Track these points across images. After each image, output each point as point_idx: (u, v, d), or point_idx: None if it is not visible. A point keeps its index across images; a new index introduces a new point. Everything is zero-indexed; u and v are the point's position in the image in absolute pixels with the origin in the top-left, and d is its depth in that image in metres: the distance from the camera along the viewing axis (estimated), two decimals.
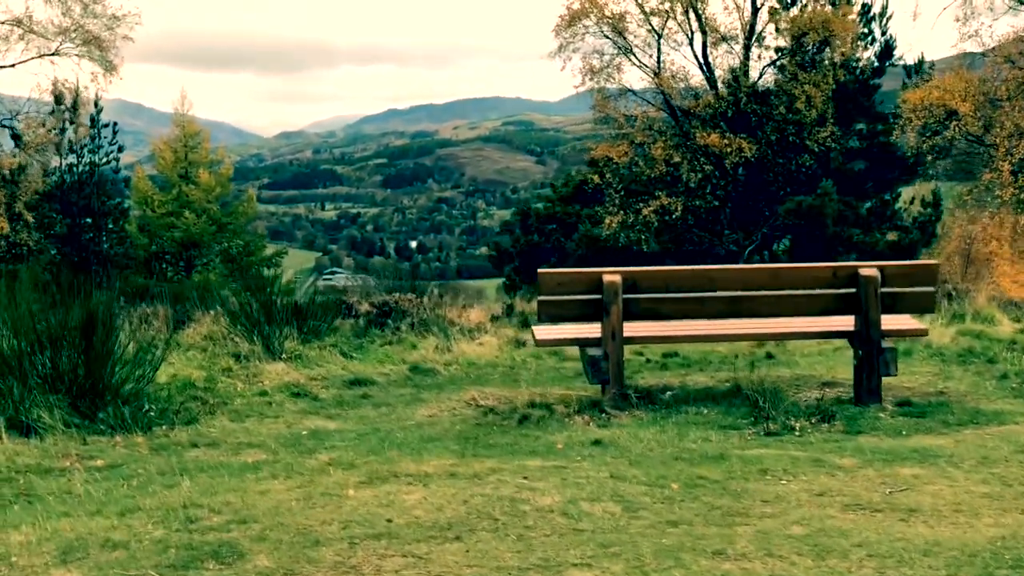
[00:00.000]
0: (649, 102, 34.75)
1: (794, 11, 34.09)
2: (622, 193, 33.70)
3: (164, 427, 8.92)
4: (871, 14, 35.45)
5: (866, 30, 35.49)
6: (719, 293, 9.47)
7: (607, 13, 33.33)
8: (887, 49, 37.17)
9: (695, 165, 33.37)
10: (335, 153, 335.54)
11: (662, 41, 33.90)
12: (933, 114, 30.04)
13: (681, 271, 9.68)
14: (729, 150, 32.22)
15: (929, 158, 31.44)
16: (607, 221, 33.57)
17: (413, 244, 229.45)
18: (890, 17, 36.86)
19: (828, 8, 33.79)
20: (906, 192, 39.61)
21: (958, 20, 31.12)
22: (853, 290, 9.33)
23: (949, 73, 30.94)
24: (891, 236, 36.64)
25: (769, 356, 12.01)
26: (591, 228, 41.41)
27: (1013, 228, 46.29)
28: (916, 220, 37.28)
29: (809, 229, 33.57)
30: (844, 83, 34.28)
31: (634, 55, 33.90)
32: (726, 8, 33.87)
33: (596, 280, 9.33)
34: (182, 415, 9.38)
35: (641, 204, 33.28)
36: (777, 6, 34.34)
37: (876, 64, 36.38)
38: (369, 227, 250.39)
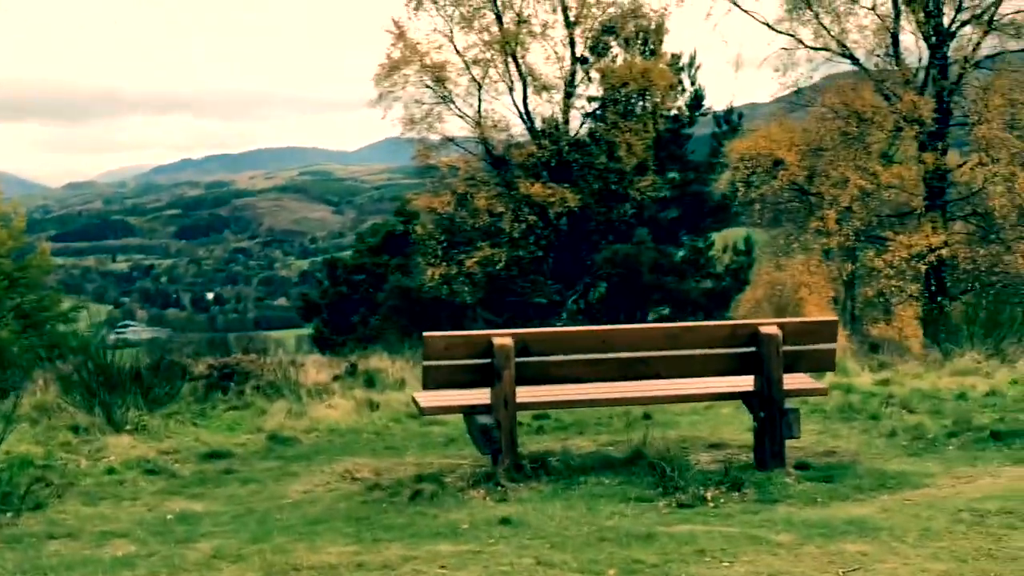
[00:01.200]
0: (471, 152, 34.41)
1: (612, 60, 34.21)
2: (444, 244, 33.15)
3: (9, 514, 8.01)
4: (680, 64, 35.82)
5: (676, 80, 35.85)
6: (614, 355, 9.00)
7: (428, 62, 32.90)
8: (697, 99, 37.67)
9: (518, 215, 33.07)
10: (127, 204, 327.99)
11: (483, 91, 33.62)
12: (760, 163, 30.34)
13: (575, 332, 9.22)
14: (552, 200, 32.04)
15: (757, 207, 31.72)
16: (429, 272, 33.00)
17: (209, 296, 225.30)
18: (699, 68, 37.39)
19: (638, 59, 34.00)
20: (720, 239, 40.11)
21: (777, 71, 31.64)
22: (753, 349, 8.95)
23: (773, 123, 31.33)
24: (705, 284, 36.95)
25: (646, 416, 11.59)
26: (402, 279, 40.82)
27: (824, 275, 47.44)
28: (729, 267, 37.65)
29: (625, 277, 33.60)
30: (658, 132, 34.56)
31: (455, 104, 33.56)
32: (547, 58, 33.58)
33: (485, 343, 8.75)
34: (28, 499, 8.44)
35: (464, 255, 32.78)
36: (590, 56, 34.41)
37: (687, 114, 36.73)
38: (163, 279, 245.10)
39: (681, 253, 38.07)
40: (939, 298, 29.01)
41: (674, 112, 36.35)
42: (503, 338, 8.72)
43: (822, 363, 9.32)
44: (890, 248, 28.68)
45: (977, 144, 28.48)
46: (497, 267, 32.63)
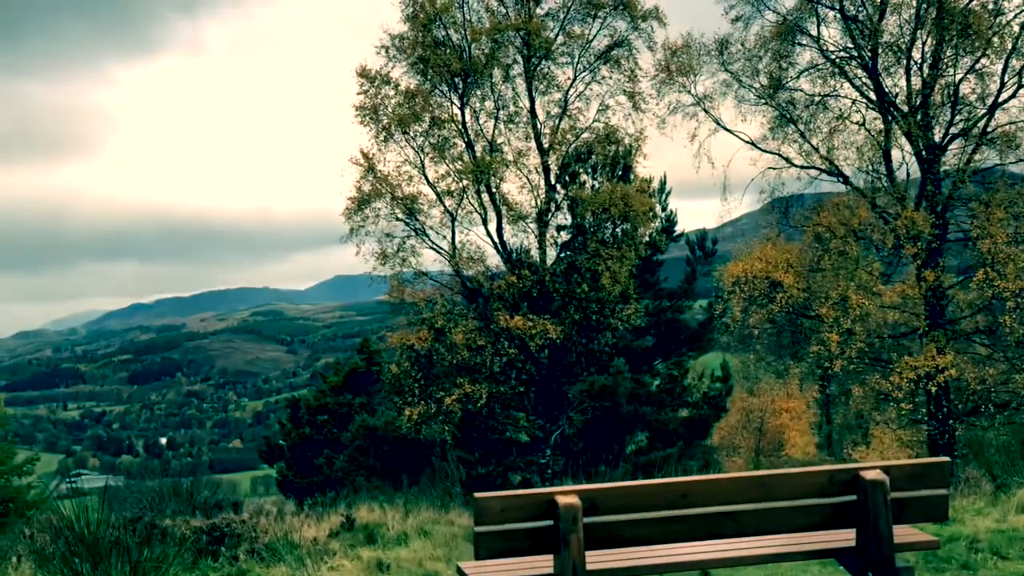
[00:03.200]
0: (447, 285, 33.28)
1: (582, 187, 33.45)
2: (421, 382, 31.81)
3: None
4: (650, 191, 35.09)
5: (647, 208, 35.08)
6: (694, 510, 7.72)
7: (399, 194, 31.89)
8: (669, 224, 36.98)
9: (499, 349, 31.84)
10: (77, 351, 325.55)
11: (456, 222, 32.59)
12: (756, 287, 29.41)
13: (651, 486, 7.89)
14: (534, 332, 30.85)
15: (756, 332, 30.71)
16: (407, 413, 31.54)
17: (163, 440, 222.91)
18: (669, 192, 36.74)
19: (610, 184, 33.25)
20: (695, 365, 39.33)
21: (763, 192, 30.89)
22: (854, 497, 7.70)
23: (767, 244, 30.48)
24: (683, 412, 36.04)
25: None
26: (368, 418, 39.52)
27: (803, 400, 46.64)
28: (707, 394, 36.75)
29: (604, 409, 32.55)
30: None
31: (428, 237, 32.48)
32: (521, 186, 32.66)
33: (548, 503, 7.45)
34: None
35: (442, 393, 31.44)
36: (566, 183, 33.64)
37: (660, 239, 35.96)
38: (116, 425, 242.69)
39: (657, 382, 37.13)
40: (950, 421, 27.99)
41: (647, 238, 35.47)
42: (569, 496, 7.45)
43: (933, 512, 8.05)
44: (896, 370, 27.64)
45: (982, 259, 27.72)
46: (478, 404, 31.30)
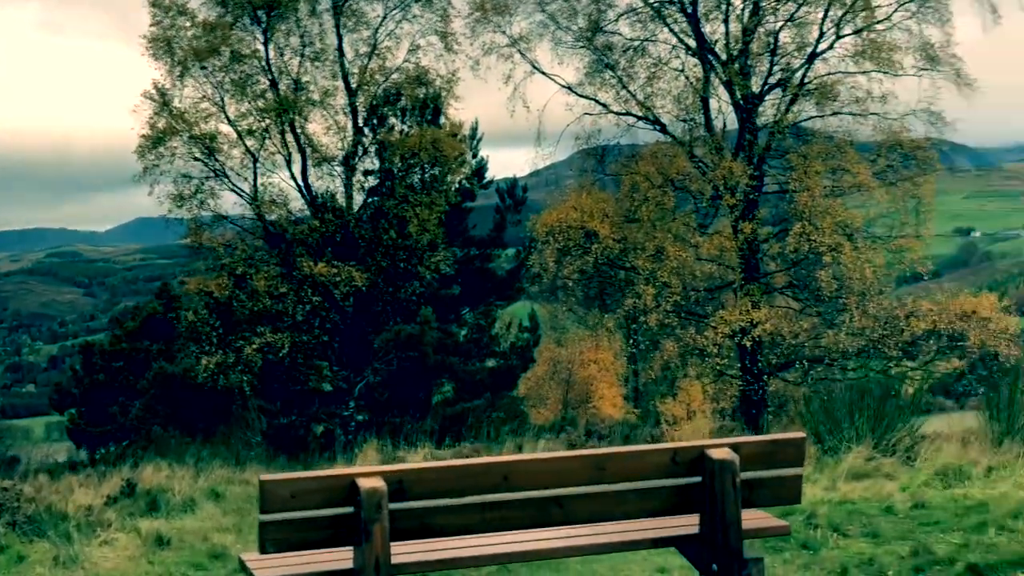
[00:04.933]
0: (248, 230, 31.73)
1: (391, 130, 32.29)
2: (220, 330, 30.26)
3: None
4: (461, 136, 34.10)
5: (463, 151, 34.16)
6: (518, 494, 6.64)
7: (197, 132, 30.14)
8: (480, 171, 36.20)
9: (302, 297, 30.45)
10: None
11: (259, 163, 31.03)
12: (571, 237, 28.61)
13: (467, 467, 6.75)
14: (338, 279, 29.60)
15: (570, 283, 29.92)
16: (203, 362, 30.00)
17: None
18: (481, 138, 35.87)
19: (420, 128, 32.17)
20: (504, 315, 38.78)
21: (578, 139, 30.07)
22: (698, 479, 6.73)
23: (584, 193, 29.70)
24: (491, 363, 35.40)
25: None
26: (166, 365, 37.80)
27: (612, 352, 46.35)
28: (514, 345, 36.15)
29: (410, 359, 31.63)
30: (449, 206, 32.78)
31: (228, 178, 30.85)
32: (328, 127, 31.26)
33: (347, 487, 6.28)
34: None
35: (243, 342, 29.95)
36: (375, 126, 32.43)
37: (470, 187, 35.10)
38: None
39: (464, 332, 36.40)
40: (764, 377, 27.77)
41: (457, 185, 34.56)
42: (372, 479, 6.27)
43: (786, 494, 7.13)
44: (711, 325, 27.24)
45: (799, 212, 27.45)
46: (280, 354, 29.93)
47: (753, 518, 7.16)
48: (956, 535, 9.08)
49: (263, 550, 6.37)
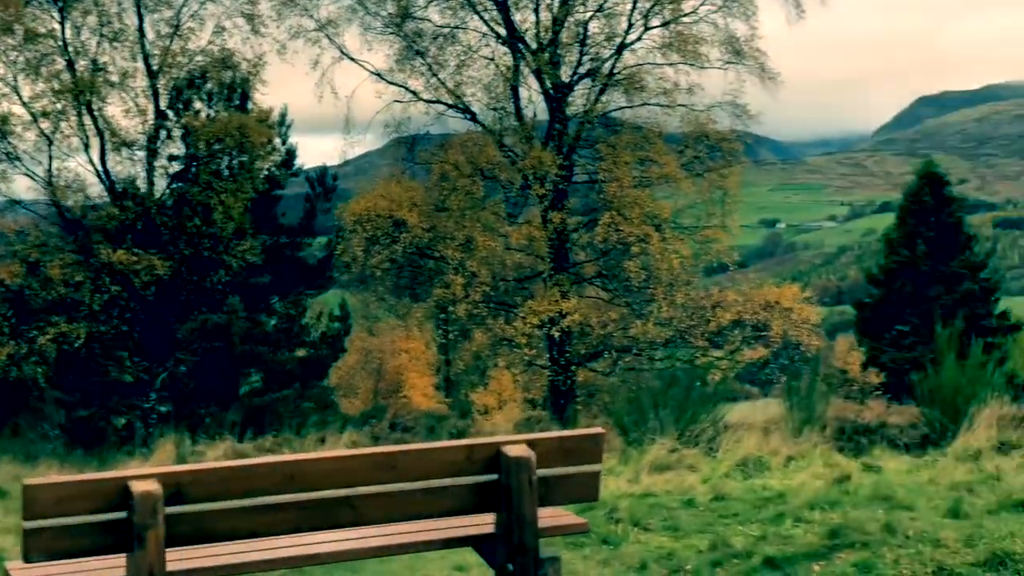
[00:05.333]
0: (42, 215, 30.47)
1: (198, 115, 31.37)
2: (12, 320, 29.00)
3: None
4: (270, 122, 33.36)
5: (270, 137, 33.41)
6: (306, 495, 6.30)
7: None
8: (289, 158, 35.50)
9: (99, 286, 29.35)
10: None
11: (53, 147, 29.79)
12: (380, 225, 28.15)
13: (250, 467, 6.36)
14: (138, 268, 28.64)
15: (378, 272, 29.48)
16: None
17: None
18: (290, 125, 35.16)
19: (227, 113, 31.37)
20: (315, 305, 38.21)
21: (388, 127, 29.61)
22: (495, 476, 6.49)
23: (392, 181, 29.27)
24: (300, 352, 34.82)
25: None
26: None
27: (423, 342, 46.08)
28: (325, 335, 35.64)
29: (216, 349, 30.92)
30: (256, 194, 32.01)
31: (21, 162, 29.59)
32: (127, 111, 30.17)
33: (117, 490, 5.85)
34: None
35: (36, 332, 28.76)
36: (177, 110, 31.47)
37: (279, 174, 34.39)
38: None
39: (273, 321, 35.69)
40: (572, 367, 27.80)
41: (265, 172, 33.80)
42: (147, 482, 5.84)
43: (585, 491, 6.94)
44: (520, 315, 27.14)
45: (608, 202, 27.54)
46: (76, 345, 28.82)
47: (550, 516, 6.95)
48: (754, 527, 9.08)
49: (27, 559, 5.90)
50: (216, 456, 16.60)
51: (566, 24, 28.82)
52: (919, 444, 14.12)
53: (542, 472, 6.54)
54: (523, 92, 29.51)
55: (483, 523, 6.72)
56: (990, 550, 7.73)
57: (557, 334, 27.23)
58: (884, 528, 8.53)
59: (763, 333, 28.53)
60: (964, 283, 40.25)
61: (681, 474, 11.53)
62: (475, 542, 6.78)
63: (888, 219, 46.05)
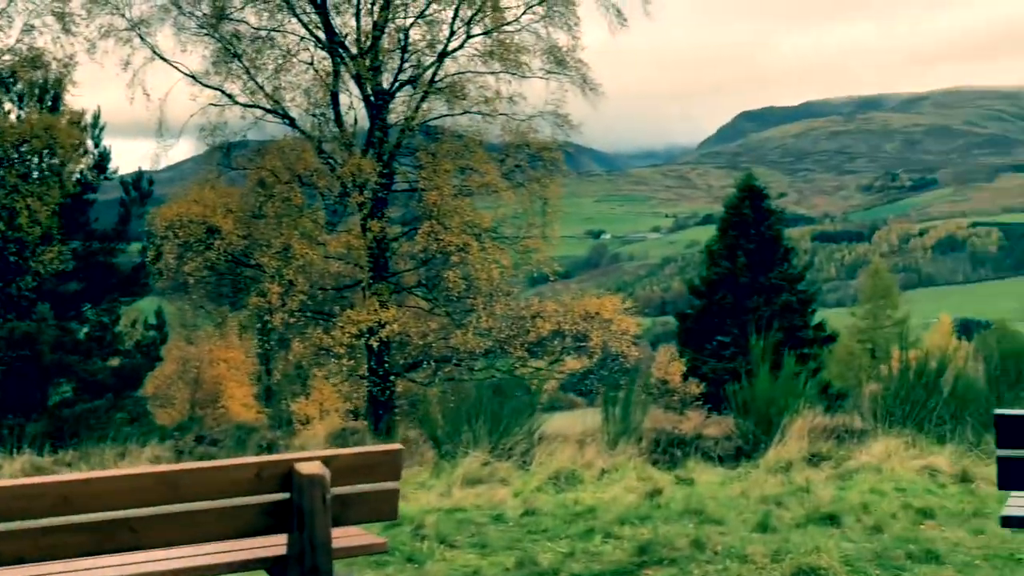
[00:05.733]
0: None
1: (7, 116, 30.17)
2: None
3: None
4: (82, 124, 32.30)
5: (81, 140, 32.32)
6: (79, 518, 5.86)
7: None
8: (102, 161, 34.39)
9: None
10: None
11: None
12: (193, 232, 27.32)
13: (19, 488, 5.90)
14: None
15: (191, 280, 28.61)
16: None
17: None
18: (103, 128, 34.05)
19: (37, 114, 30.25)
20: (129, 312, 37.13)
21: (204, 131, 28.77)
22: (287, 495, 6.13)
23: (206, 186, 28.44)
24: (114, 362, 33.76)
25: None
26: None
27: (242, 351, 45.24)
28: (140, 343, 34.62)
29: (24, 358, 29.76)
30: (68, 198, 30.93)
31: None
32: None
33: None
34: None
35: None
36: None
37: (92, 178, 33.28)
38: None
39: (85, 329, 34.55)
40: (391, 377, 27.41)
41: (76, 176, 32.72)
42: None
43: (381, 510, 6.63)
44: (338, 324, 26.64)
45: (428, 211, 27.24)
46: None
47: (346, 536, 6.61)
48: (563, 543, 8.86)
49: None
50: (13, 471, 15.87)
51: (387, 30, 28.43)
52: (733, 456, 14.09)
53: (337, 490, 6.22)
54: (344, 98, 29.05)
55: (275, 545, 6.36)
56: (796, 565, 7.66)
57: (376, 344, 26.84)
58: (693, 544, 8.43)
59: (583, 344, 28.59)
60: (782, 295, 41.15)
61: (493, 488, 11.26)
62: (267, 565, 6.41)
63: (711, 231, 46.89)
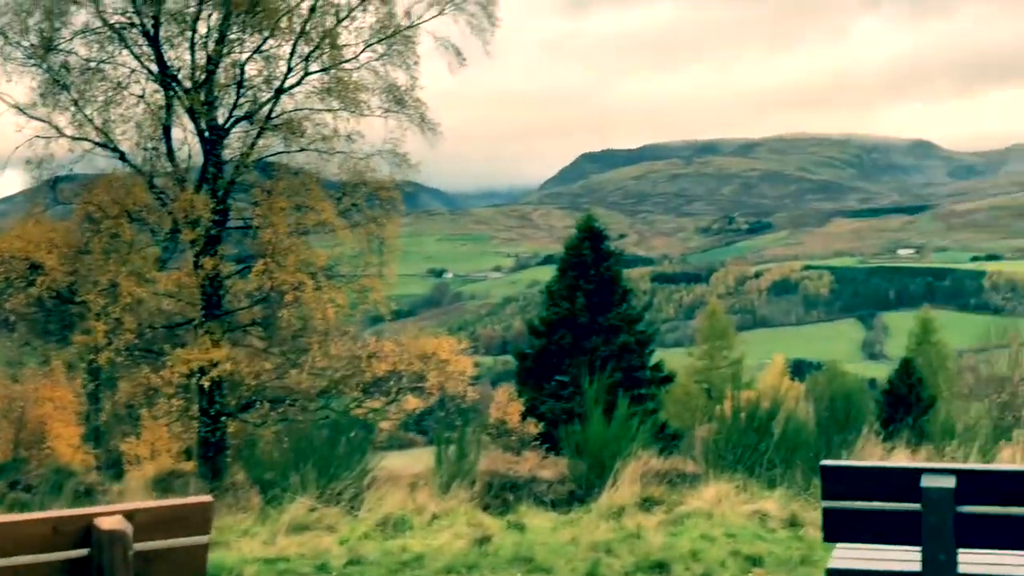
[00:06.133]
0: None
1: None
2: None
3: None
4: None
5: None
6: None
7: None
8: None
9: None
10: None
11: None
12: (14, 268, 26.30)
13: None
14: None
15: (12, 317, 27.54)
16: None
17: None
18: None
19: None
20: None
21: (30, 163, 27.72)
22: (86, 552, 5.77)
23: (31, 221, 27.44)
24: None
25: None
26: None
27: (71, 389, 43.80)
28: None
29: None
30: None
31: None
32: None
33: None
34: None
35: None
36: None
37: None
38: None
39: None
40: (222, 418, 26.71)
41: None
42: None
43: (188, 566, 6.27)
44: (168, 364, 25.87)
45: (263, 249, 26.68)
46: None
47: None
48: None
49: None
50: None
51: (222, 64, 27.88)
52: (566, 500, 13.98)
53: (140, 546, 5.86)
54: (177, 133, 28.30)
55: None
56: None
57: (207, 384, 26.16)
58: None
59: (419, 384, 28.33)
60: (620, 335, 41.45)
61: (318, 535, 10.91)
62: None
63: (552, 271, 47.11)
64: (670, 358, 55.74)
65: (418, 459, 17.39)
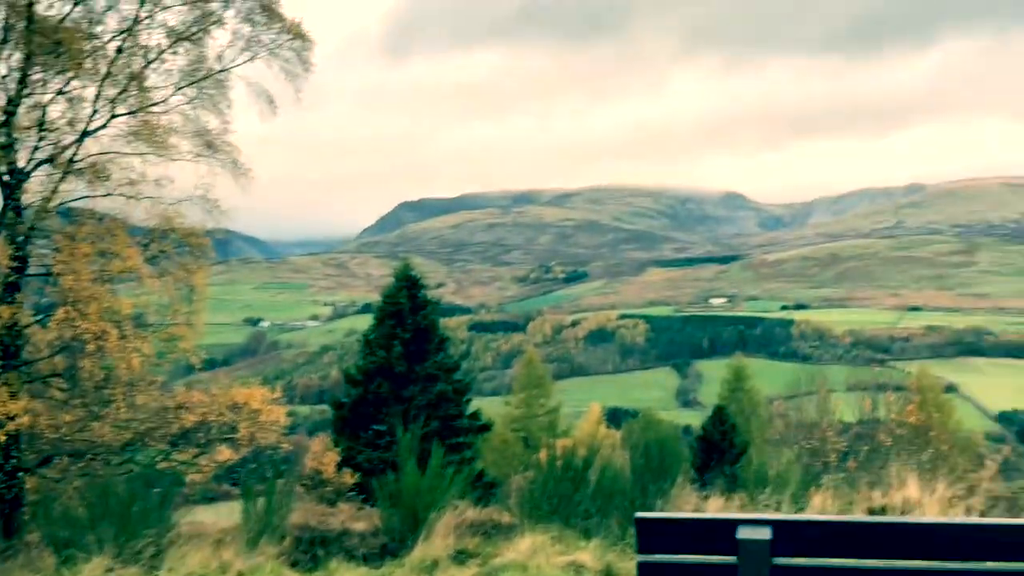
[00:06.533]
0: None
1: None
2: None
3: None
4: None
5: None
6: None
7: None
8: None
9: None
10: None
11: None
12: None
13: None
14: None
15: None
16: None
17: None
18: None
19: None
20: None
21: None
22: None
23: None
24: None
25: None
26: None
27: None
28: None
29: None
30: None
31: None
32: None
33: None
34: None
35: None
36: None
37: None
38: None
39: None
40: (19, 474, 25.41)
41: None
42: None
43: None
44: None
45: (64, 297, 25.54)
46: None
47: None
48: None
49: None
50: None
51: (23, 106, 26.79)
52: (378, 554, 13.59)
53: None
54: None
55: None
56: None
57: (2, 438, 24.88)
58: None
59: (231, 436, 27.49)
60: (438, 384, 41.19)
61: None
62: None
63: (369, 320, 46.64)
64: (488, 407, 55.60)
65: (229, 512, 16.79)
